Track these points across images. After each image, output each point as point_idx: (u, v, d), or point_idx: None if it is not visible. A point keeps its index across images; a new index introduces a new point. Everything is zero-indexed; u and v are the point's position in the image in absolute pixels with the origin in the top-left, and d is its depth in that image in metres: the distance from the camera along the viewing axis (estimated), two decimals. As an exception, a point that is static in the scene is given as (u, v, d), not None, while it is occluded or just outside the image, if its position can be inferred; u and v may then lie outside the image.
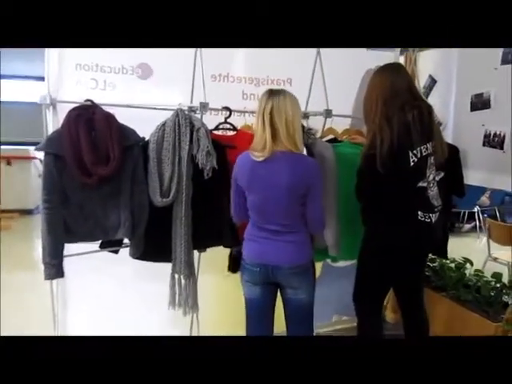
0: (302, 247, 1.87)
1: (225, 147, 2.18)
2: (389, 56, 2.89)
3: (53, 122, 2.11)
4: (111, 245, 2.18)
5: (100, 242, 2.16)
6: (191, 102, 2.29)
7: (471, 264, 2.78)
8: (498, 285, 2.53)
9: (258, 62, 2.50)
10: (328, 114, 2.42)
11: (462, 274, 2.69)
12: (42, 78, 2.11)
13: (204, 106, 2.17)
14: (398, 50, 2.90)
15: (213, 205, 2.18)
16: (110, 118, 2.02)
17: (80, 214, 2.05)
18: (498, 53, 2.32)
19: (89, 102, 2.02)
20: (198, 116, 2.20)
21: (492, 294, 2.46)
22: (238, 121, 2.49)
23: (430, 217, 1.89)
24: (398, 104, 1.86)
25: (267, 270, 1.83)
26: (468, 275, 2.70)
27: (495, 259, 3.58)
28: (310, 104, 2.57)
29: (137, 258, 2.15)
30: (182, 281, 2.19)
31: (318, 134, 2.39)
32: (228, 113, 2.27)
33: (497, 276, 2.56)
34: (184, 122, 2.11)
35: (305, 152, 2.11)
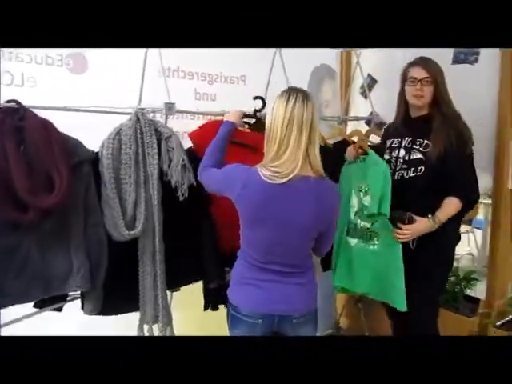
0: (312, 290, 1.49)
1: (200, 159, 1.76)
2: (329, 53, 2.77)
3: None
4: (52, 301, 1.58)
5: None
6: (139, 102, 1.80)
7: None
8: (454, 279, 2.59)
9: (210, 56, 2.10)
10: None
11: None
12: None
13: (170, 108, 1.71)
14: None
15: (190, 232, 1.74)
16: (47, 126, 1.44)
17: (10, 265, 1.42)
18: (449, 52, 2.34)
19: (13, 104, 1.41)
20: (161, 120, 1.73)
21: (456, 289, 2.50)
22: (191, 124, 2.08)
23: None
24: None
25: (272, 322, 1.41)
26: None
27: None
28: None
29: (96, 314, 1.60)
30: (156, 331, 1.71)
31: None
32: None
33: (454, 271, 2.62)
34: (148, 129, 1.63)
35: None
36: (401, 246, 1.77)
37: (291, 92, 1.34)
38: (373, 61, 2.75)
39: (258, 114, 1.92)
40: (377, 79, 2.78)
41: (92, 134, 1.61)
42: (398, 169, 1.84)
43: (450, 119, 1.76)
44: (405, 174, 1.80)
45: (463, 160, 1.74)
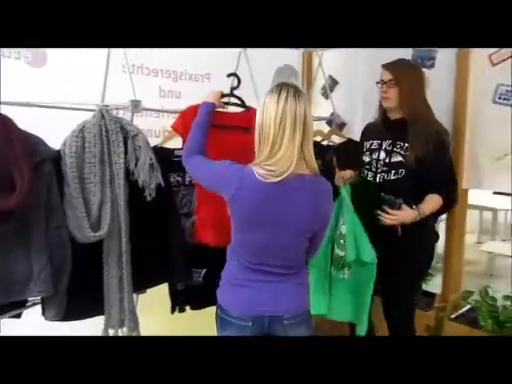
0: (304, 290, 1.44)
1: (168, 158, 1.73)
2: (293, 54, 2.79)
3: None
4: (10, 307, 1.49)
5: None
6: (102, 100, 1.73)
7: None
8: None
9: (175, 53, 2.06)
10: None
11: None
12: None
13: (136, 106, 1.66)
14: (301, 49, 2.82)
15: (157, 232, 1.70)
16: (7, 122, 1.37)
17: (-36, 271, 1.33)
18: (407, 55, 2.42)
19: (-32, 99, 1.32)
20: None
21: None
22: (155, 122, 2.04)
23: None
24: None
25: (262, 323, 1.36)
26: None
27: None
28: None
29: (59, 321, 1.53)
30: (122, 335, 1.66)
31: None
32: (236, 81, 1.81)
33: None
34: (114, 127, 1.58)
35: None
36: (372, 282, 1.83)
37: (282, 87, 1.28)
38: (334, 62, 2.80)
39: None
40: (338, 80, 2.85)
41: (51, 131, 1.53)
42: (379, 171, 1.86)
43: (425, 123, 1.79)
44: (385, 177, 1.84)
45: (442, 163, 1.80)
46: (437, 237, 1.98)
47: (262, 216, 1.30)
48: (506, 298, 2.26)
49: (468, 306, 2.34)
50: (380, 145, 1.89)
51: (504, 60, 2.07)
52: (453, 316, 2.30)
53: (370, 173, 1.90)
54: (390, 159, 1.84)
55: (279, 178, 1.25)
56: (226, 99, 1.86)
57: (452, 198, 1.87)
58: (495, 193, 4.71)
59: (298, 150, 1.25)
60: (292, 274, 1.39)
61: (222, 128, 1.74)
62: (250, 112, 1.82)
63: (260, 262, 1.35)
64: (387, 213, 1.75)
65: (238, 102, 1.87)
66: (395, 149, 1.84)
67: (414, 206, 1.76)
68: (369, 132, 2.03)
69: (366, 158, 1.93)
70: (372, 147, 1.92)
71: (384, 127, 1.92)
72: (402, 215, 1.75)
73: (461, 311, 2.33)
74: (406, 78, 1.83)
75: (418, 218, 1.75)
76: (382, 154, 1.87)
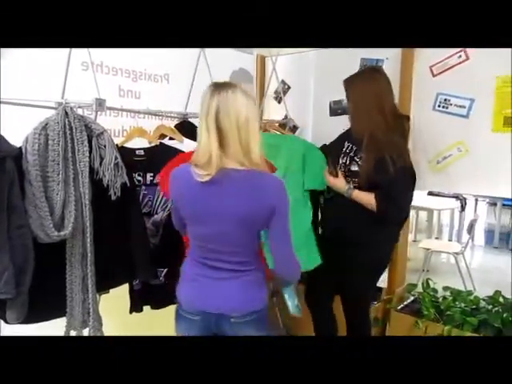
0: (256, 289, 1.42)
1: (129, 158, 1.72)
2: (248, 58, 2.86)
3: None
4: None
5: None
6: (62, 97, 1.69)
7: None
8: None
9: (134, 53, 2.06)
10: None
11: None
12: None
13: (100, 104, 1.64)
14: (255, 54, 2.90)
15: (121, 232, 1.69)
16: (-34, 117, 1.31)
17: None
18: (356, 61, 2.57)
19: None
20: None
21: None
22: (114, 122, 2.03)
23: None
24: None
25: (209, 320, 1.38)
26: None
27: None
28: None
29: (21, 323, 1.47)
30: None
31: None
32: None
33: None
34: (78, 125, 1.56)
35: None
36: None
37: (219, 84, 1.30)
38: (286, 68, 2.91)
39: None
40: (290, 85, 2.95)
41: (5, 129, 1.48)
42: (346, 175, 1.95)
43: (380, 140, 1.80)
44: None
45: (394, 181, 1.77)
46: (395, 239, 2.08)
47: (202, 212, 1.34)
48: (446, 288, 2.47)
49: (412, 298, 2.53)
50: (350, 150, 1.96)
51: (443, 71, 2.28)
52: (398, 307, 2.47)
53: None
54: (350, 167, 1.93)
55: (207, 178, 1.27)
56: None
57: (392, 213, 1.85)
58: (429, 194, 5.08)
59: (218, 149, 1.26)
60: (244, 271, 1.39)
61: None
62: None
63: (210, 257, 1.38)
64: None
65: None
66: (356, 158, 1.91)
67: (351, 185, 1.89)
68: (347, 135, 2.06)
69: (341, 160, 1.99)
70: (346, 150, 1.98)
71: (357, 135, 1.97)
72: (330, 180, 1.93)
73: (405, 303, 2.51)
74: (356, 99, 1.90)
75: (345, 194, 1.88)
76: (348, 160, 1.95)
